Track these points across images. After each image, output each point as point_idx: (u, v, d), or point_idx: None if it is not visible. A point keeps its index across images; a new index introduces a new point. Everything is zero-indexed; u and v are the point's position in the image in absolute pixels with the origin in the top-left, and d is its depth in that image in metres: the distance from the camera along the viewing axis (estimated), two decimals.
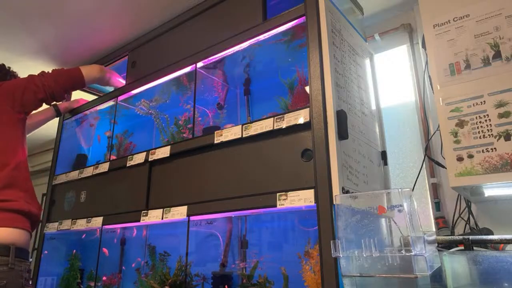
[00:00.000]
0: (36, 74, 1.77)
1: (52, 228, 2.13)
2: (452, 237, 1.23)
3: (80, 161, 2.35)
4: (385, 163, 1.59)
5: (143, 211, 1.68)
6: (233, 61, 1.87)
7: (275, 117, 1.35)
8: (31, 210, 1.48)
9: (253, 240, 1.71)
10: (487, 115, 1.19)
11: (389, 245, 0.99)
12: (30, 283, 1.49)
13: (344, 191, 1.16)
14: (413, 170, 1.71)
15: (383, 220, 1.07)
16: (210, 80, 1.91)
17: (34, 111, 1.76)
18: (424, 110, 1.74)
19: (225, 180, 1.45)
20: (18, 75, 1.92)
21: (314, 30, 1.33)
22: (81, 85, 1.92)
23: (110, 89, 2.34)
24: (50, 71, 1.81)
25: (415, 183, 1.63)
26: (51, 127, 2.33)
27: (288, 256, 1.55)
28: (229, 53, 1.67)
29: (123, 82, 2.16)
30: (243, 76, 1.94)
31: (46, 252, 2.17)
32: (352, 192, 1.20)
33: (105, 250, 1.99)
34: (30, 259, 1.55)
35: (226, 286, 1.56)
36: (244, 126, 1.43)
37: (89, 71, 1.93)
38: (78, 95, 2.44)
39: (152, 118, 2.17)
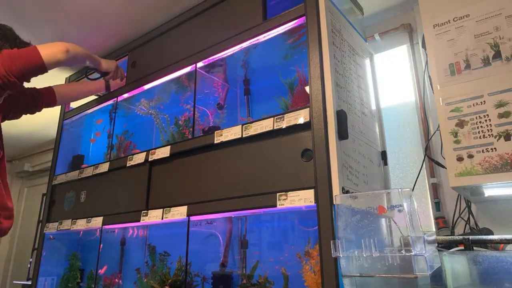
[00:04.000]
0: None
1: (52, 228, 2.13)
2: (452, 237, 1.23)
3: (76, 162, 2.35)
4: (385, 163, 1.59)
5: (143, 211, 1.68)
6: (233, 61, 1.87)
7: (275, 117, 1.35)
8: None
9: (253, 240, 1.71)
10: (487, 115, 1.18)
11: (389, 245, 0.99)
12: (25, 283, 1.45)
13: (344, 191, 1.16)
14: (413, 170, 1.71)
15: (383, 220, 1.07)
16: (210, 80, 1.91)
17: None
18: (424, 110, 1.74)
19: (225, 180, 1.45)
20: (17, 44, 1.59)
21: (314, 30, 1.33)
22: (42, 70, 1.51)
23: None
24: None
25: (415, 183, 1.63)
26: (51, 126, 2.33)
27: (288, 256, 1.55)
28: (229, 53, 1.67)
29: (108, 65, 1.87)
30: (243, 76, 1.94)
31: (46, 252, 2.17)
32: (352, 192, 1.20)
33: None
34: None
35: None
36: (244, 126, 1.43)
37: (50, 53, 1.50)
38: None
39: (152, 118, 2.17)
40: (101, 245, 1.91)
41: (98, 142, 2.44)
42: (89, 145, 2.49)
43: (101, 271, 1.97)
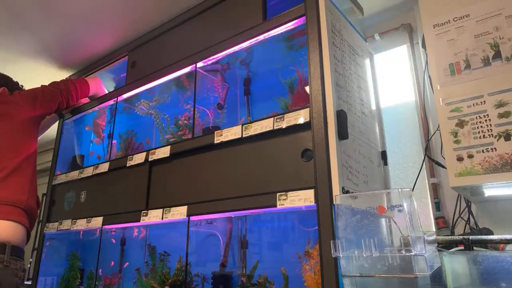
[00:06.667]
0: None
1: (52, 228, 2.13)
2: (452, 237, 1.23)
3: (76, 163, 2.35)
4: (385, 163, 1.59)
5: (143, 211, 1.68)
6: (233, 61, 1.87)
7: (275, 117, 1.35)
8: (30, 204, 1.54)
9: (253, 240, 1.71)
10: (487, 115, 1.18)
11: (389, 245, 0.99)
12: (25, 283, 1.52)
13: (344, 191, 1.16)
14: (413, 170, 1.71)
15: (383, 220, 1.07)
16: (210, 80, 1.91)
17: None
18: (424, 110, 1.74)
19: (225, 180, 1.45)
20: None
21: (314, 30, 1.33)
22: (87, 93, 2.17)
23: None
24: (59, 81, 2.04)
25: (415, 183, 1.63)
26: (51, 126, 2.33)
27: (288, 256, 1.55)
28: (229, 53, 1.67)
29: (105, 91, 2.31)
30: (243, 76, 1.94)
31: (46, 252, 2.17)
32: (352, 192, 1.20)
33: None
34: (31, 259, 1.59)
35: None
36: (244, 126, 1.43)
37: (93, 81, 2.21)
38: None
39: (152, 118, 2.17)
40: (101, 245, 1.91)
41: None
42: (89, 145, 2.49)
43: (112, 264, 1.99)
